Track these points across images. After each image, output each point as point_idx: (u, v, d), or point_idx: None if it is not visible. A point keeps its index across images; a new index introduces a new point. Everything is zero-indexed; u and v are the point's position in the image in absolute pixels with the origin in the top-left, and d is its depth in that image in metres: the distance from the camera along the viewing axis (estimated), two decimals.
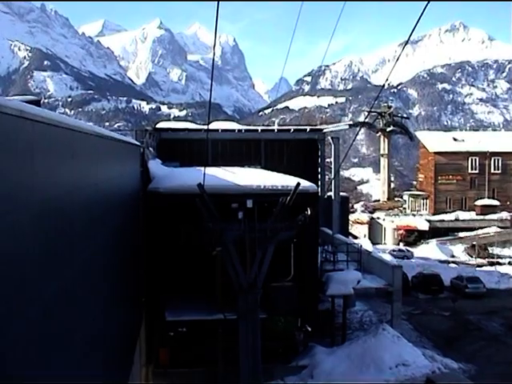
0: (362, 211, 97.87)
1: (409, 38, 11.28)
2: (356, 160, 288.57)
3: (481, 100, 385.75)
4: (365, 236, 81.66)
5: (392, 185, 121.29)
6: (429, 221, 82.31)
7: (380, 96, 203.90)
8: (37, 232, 6.99)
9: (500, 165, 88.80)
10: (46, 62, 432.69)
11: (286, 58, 22.46)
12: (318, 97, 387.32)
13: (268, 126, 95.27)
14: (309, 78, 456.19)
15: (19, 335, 6.25)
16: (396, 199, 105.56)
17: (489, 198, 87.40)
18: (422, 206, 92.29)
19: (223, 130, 47.92)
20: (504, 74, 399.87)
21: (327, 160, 52.94)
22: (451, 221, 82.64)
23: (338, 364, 30.14)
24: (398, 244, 78.19)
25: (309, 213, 19.02)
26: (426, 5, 9.31)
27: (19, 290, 6.27)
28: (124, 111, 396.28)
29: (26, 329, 6.49)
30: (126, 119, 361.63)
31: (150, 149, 36.57)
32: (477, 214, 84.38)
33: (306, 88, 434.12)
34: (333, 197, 47.07)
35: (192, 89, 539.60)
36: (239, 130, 50.08)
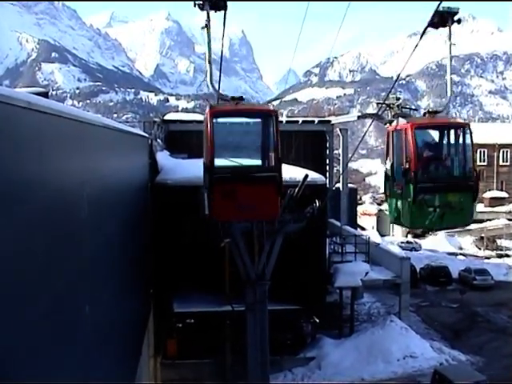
0: (370, 203, 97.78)
1: (423, 33, 11.34)
2: (364, 152, 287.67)
3: (490, 92, 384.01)
4: (373, 228, 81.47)
5: None
6: None
7: (388, 88, 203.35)
8: (46, 223, 7.00)
9: (509, 157, 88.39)
10: (53, 54, 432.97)
11: (295, 50, 22.36)
12: (327, 88, 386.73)
13: None
14: (317, 70, 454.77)
15: (32, 324, 6.27)
16: None
17: (497, 190, 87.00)
18: None
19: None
20: None
21: (335, 152, 52.81)
22: None
23: (345, 355, 30.17)
24: (406, 236, 77.92)
25: (317, 204, 18.98)
26: (438, 5, 9.36)
27: (31, 281, 6.29)
28: (132, 103, 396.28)
29: (38, 318, 6.52)
30: (134, 111, 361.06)
31: (158, 140, 36.56)
32: (485, 206, 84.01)
33: (315, 80, 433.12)
34: (341, 188, 47.00)
35: (200, 80, 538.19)
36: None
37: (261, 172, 14.59)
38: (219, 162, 13.98)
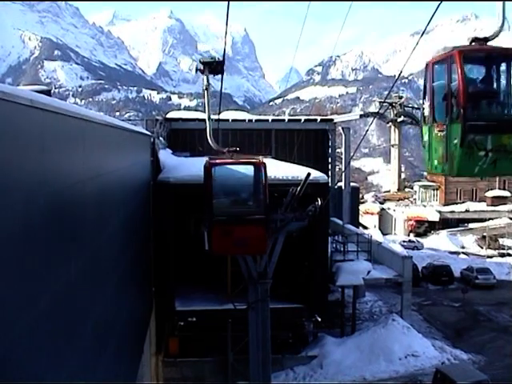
0: (373, 202, 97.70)
1: (423, 32, 11.27)
2: (366, 150, 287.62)
3: None
4: (375, 226, 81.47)
5: (402, 175, 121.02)
6: (439, 212, 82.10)
7: (391, 86, 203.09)
8: (48, 221, 7.00)
9: None
10: (56, 52, 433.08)
11: (296, 48, 22.45)
12: (329, 87, 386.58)
13: (278, 116, 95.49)
14: (319, 68, 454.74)
15: (31, 323, 6.27)
16: (406, 190, 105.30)
17: (500, 189, 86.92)
18: (433, 196, 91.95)
19: (234, 120, 47.85)
20: None
21: (337, 150, 52.87)
22: (462, 212, 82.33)
23: (347, 354, 30.18)
24: (409, 235, 78.00)
25: (319, 203, 18.97)
26: (438, 5, 9.28)
27: (31, 279, 6.29)
28: (134, 101, 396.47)
29: (38, 316, 6.51)
30: (137, 109, 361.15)
31: (161, 138, 36.58)
32: (487, 205, 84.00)
33: (317, 78, 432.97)
34: (343, 187, 47.02)
35: (202, 78, 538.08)
36: (250, 120, 50.03)
37: (252, 215, 16.21)
38: (218, 205, 16.26)
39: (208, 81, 16.24)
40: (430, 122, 13.20)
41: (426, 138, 13.65)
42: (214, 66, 15.52)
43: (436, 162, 13.21)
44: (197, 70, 15.68)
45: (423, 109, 13.64)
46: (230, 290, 28.07)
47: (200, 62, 16.05)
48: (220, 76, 16.93)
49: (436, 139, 13.10)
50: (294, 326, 30.98)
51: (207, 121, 17.41)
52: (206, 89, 16.33)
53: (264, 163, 16.67)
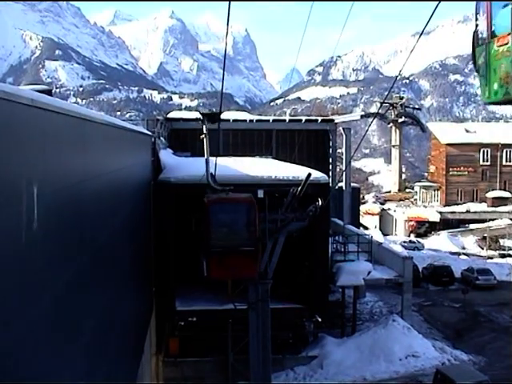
0: (373, 202, 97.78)
1: (422, 33, 11.20)
2: (367, 151, 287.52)
3: None
4: (375, 227, 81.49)
5: (403, 176, 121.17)
6: (440, 212, 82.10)
7: (392, 87, 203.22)
8: (48, 221, 7.01)
9: None
10: (57, 52, 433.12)
11: (299, 50, 22.49)
12: (330, 87, 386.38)
13: (279, 116, 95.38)
14: (320, 69, 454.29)
15: (32, 322, 6.28)
16: (407, 190, 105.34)
17: (500, 189, 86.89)
18: (433, 197, 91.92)
19: (235, 120, 47.89)
20: None
21: (338, 151, 52.89)
22: (462, 212, 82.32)
23: (347, 355, 30.18)
24: (409, 235, 77.98)
25: (320, 203, 19.01)
26: (437, 5, 9.16)
27: (31, 278, 6.29)
28: (135, 101, 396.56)
29: (38, 316, 6.52)
30: (138, 109, 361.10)
31: (162, 138, 36.59)
32: (488, 206, 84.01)
33: (318, 78, 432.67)
34: (344, 187, 47.04)
35: (203, 79, 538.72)
36: (251, 121, 50.08)
37: (243, 246, 17.84)
38: (214, 238, 18.06)
39: (207, 130, 17.92)
40: (488, 37, 11.28)
41: (481, 60, 11.74)
42: (211, 117, 17.71)
43: (496, 86, 11.10)
44: (198, 119, 17.49)
45: (477, 25, 11.79)
46: (230, 290, 28.06)
47: (200, 113, 17.93)
48: (221, 76, 17.40)
49: (496, 57, 11.07)
50: (295, 326, 30.99)
51: (205, 164, 18.91)
52: (205, 135, 18.02)
53: (254, 201, 18.26)
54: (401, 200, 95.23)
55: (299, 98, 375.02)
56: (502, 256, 64.77)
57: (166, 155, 32.63)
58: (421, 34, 11.47)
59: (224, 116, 48.19)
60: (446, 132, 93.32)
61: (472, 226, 78.66)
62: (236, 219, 18.65)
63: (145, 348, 21.28)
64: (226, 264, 17.89)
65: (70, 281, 8.27)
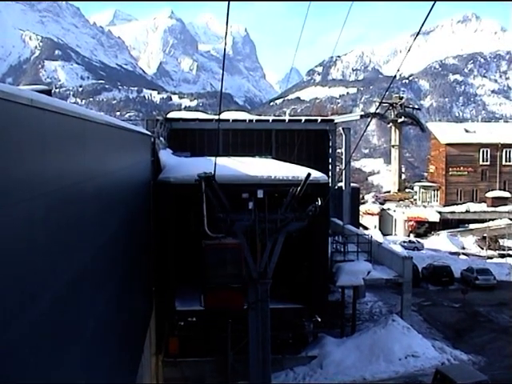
0: (373, 202, 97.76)
1: (418, 33, 11.21)
2: (367, 151, 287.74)
3: (493, 91, 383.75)
4: (375, 227, 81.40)
5: (403, 176, 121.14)
6: (439, 212, 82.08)
7: (391, 87, 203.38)
8: (48, 221, 7.01)
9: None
10: (56, 52, 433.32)
11: (296, 49, 22.42)
12: (330, 87, 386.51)
13: (279, 116, 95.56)
14: (320, 69, 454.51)
15: (32, 323, 6.27)
16: (407, 190, 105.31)
17: (500, 189, 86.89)
18: (433, 197, 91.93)
19: (234, 120, 47.89)
20: None
21: (338, 150, 52.87)
22: (462, 212, 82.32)
23: (347, 355, 30.18)
24: (409, 235, 77.95)
25: (319, 203, 18.99)
26: (433, 5, 9.21)
27: (31, 278, 6.29)
28: (135, 101, 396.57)
29: (38, 316, 6.52)
30: (137, 109, 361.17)
31: (161, 138, 36.58)
32: (488, 206, 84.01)
33: (318, 78, 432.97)
34: (343, 187, 47.03)
35: (203, 79, 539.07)
36: (250, 120, 50.04)
37: (233, 283, 19.89)
38: (209, 276, 20.08)
39: (205, 189, 19.05)
40: None
41: None
42: (207, 179, 19.17)
43: None
44: (196, 181, 19.34)
45: None
46: None
47: (198, 176, 19.11)
48: (220, 76, 17.29)
49: None
50: (294, 326, 30.97)
51: (204, 215, 19.89)
52: (203, 194, 19.30)
53: (241, 246, 19.85)
54: (400, 200, 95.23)
55: (299, 98, 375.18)
56: (502, 256, 64.78)
57: (166, 155, 32.61)
58: (417, 34, 11.51)
59: (223, 116, 48.26)
60: (445, 132, 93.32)
61: (472, 226, 78.68)
62: (227, 261, 20.58)
63: (144, 348, 21.28)
64: (219, 297, 20.26)
65: (70, 281, 8.26)
